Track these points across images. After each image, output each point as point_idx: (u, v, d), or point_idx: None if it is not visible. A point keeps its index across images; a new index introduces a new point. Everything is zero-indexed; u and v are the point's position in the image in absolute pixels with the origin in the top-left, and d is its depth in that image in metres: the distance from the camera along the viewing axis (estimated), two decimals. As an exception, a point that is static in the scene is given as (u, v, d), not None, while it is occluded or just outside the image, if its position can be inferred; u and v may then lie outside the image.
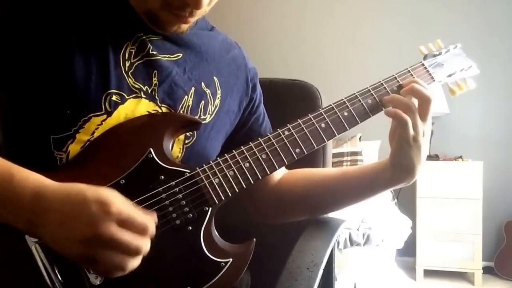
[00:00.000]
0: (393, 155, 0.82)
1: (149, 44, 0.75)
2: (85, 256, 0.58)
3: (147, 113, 0.74)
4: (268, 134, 0.77)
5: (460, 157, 3.36)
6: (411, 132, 0.78)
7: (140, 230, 0.59)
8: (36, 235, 0.61)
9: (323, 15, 3.88)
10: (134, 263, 0.60)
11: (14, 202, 0.60)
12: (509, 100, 3.50)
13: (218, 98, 0.84)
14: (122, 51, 0.73)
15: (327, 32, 3.86)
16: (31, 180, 0.61)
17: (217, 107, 0.84)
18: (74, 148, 0.70)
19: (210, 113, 0.83)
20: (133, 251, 0.59)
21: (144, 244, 0.60)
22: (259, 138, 0.76)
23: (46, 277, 0.62)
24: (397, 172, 0.82)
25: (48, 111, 0.69)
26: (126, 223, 0.58)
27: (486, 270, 3.28)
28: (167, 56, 0.78)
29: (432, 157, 3.36)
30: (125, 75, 0.73)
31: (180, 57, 0.80)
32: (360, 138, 3.38)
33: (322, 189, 0.91)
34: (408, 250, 3.22)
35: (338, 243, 2.16)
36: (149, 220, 0.61)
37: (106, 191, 0.60)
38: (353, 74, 3.60)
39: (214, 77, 0.84)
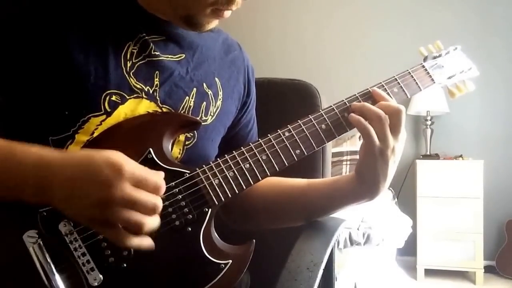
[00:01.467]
0: (357, 166, 0.80)
1: (151, 44, 0.75)
2: (102, 219, 0.58)
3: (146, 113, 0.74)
4: (268, 135, 0.77)
5: (461, 156, 3.35)
6: (377, 143, 0.75)
7: (154, 188, 0.60)
8: (46, 204, 0.62)
9: (323, 15, 3.88)
10: (153, 221, 0.60)
11: (19, 174, 0.61)
12: (509, 99, 3.50)
13: (220, 99, 0.84)
14: (124, 51, 0.73)
15: (326, 32, 3.86)
16: (33, 150, 0.62)
17: (219, 109, 0.84)
18: (73, 149, 0.70)
19: (212, 114, 0.82)
20: (150, 209, 0.59)
21: (160, 202, 0.60)
22: (259, 139, 0.76)
23: (44, 278, 0.61)
24: (359, 186, 0.80)
25: (47, 113, 0.69)
26: (140, 182, 0.59)
27: (488, 269, 3.27)
28: (169, 56, 0.78)
29: (432, 156, 3.36)
30: (127, 75, 0.73)
31: (182, 57, 0.79)
32: (360, 137, 3.37)
33: (287, 199, 0.89)
34: (409, 249, 3.22)
35: (338, 242, 2.15)
36: (160, 177, 0.62)
37: (113, 153, 0.60)
38: (353, 74, 3.60)
39: (216, 78, 0.84)
